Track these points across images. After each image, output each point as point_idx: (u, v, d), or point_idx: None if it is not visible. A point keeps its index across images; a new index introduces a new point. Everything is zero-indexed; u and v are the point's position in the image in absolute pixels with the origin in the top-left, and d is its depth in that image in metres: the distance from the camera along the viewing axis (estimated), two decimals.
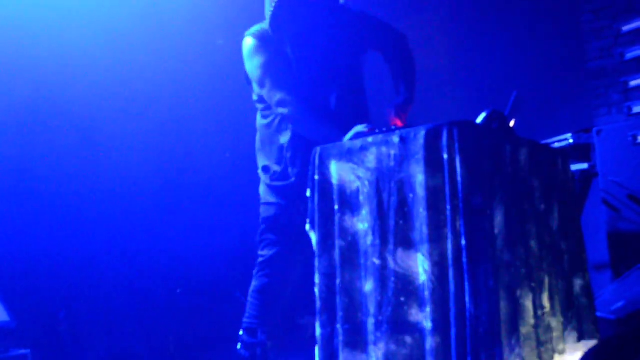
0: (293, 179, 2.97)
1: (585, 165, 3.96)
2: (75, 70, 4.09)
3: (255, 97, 3.11)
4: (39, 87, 3.95)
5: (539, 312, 2.39)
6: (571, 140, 4.01)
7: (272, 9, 2.87)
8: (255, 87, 3.05)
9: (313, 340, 3.95)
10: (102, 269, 4.21)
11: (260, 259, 3.09)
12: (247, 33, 3.01)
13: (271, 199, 3.06)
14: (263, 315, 3.05)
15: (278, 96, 2.88)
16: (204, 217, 4.75)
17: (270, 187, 3.07)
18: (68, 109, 4.09)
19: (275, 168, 3.02)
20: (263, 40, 2.95)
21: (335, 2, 3.05)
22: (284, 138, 2.99)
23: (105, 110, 4.25)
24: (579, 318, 2.70)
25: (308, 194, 2.48)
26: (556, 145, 3.99)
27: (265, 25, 2.99)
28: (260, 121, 3.12)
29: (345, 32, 3.02)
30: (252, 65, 2.97)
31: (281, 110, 2.89)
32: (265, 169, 3.08)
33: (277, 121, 3.02)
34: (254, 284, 3.10)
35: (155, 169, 4.48)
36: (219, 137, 4.84)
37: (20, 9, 3.95)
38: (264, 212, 3.10)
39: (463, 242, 2.05)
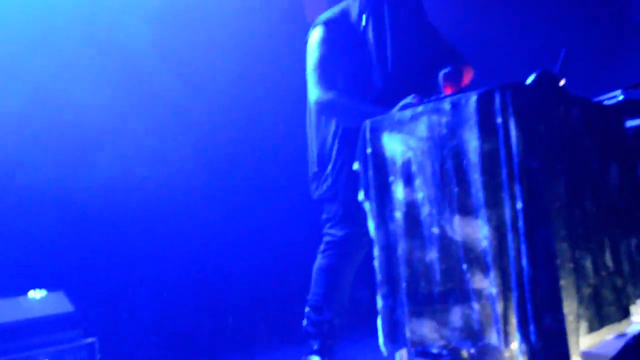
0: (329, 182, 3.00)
1: (638, 121, 3.85)
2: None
3: None
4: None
5: (602, 273, 2.35)
6: (621, 97, 3.89)
7: None
8: None
9: (370, 314, 4.01)
10: (163, 258, 4.29)
11: (328, 238, 3.07)
12: (317, 21, 3.03)
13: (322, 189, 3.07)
14: (329, 293, 3.05)
15: (316, 93, 2.92)
16: (257, 200, 4.77)
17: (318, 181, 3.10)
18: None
19: (314, 168, 3.08)
20: (330, 31, 2.96)
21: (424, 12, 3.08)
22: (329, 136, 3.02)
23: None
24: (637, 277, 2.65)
25: (355, 167, 2.48)
26: (607, 102, 3.89)
27: (340, 7, 3.02)
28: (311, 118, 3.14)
29: (424, 42, 3.04)
30: (310, 56, 3.00)
31: (315, 107, 2.93)
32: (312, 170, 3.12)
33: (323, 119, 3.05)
34: (320, 261, 3.09)
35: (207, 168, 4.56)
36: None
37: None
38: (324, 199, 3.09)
39: (519, 205, 2.02)
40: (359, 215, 2.74)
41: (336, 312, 3.06)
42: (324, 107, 2.93)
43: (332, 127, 3.01)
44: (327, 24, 2.99)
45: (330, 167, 3.02)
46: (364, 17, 2.93)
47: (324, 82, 2.91)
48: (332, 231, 3.06)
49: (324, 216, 3.11)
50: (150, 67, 4.25)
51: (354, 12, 2.97)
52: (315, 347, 3.04)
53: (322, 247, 3.11)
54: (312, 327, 3.07)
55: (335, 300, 3.06)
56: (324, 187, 3.06)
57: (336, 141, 3.00)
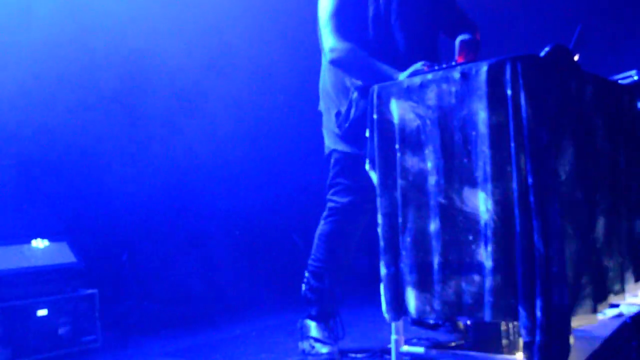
0: (351, 118, 2.91)
1: None
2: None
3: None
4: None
5: (597, 252, 2.34)
6: (636, 77, 3.84)
7: None
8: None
9: (369, 282, 4.05)
10: (163, 213, 4.32)
11: (332, 204, 3.06)
12: None
13: (341, 147, 3.00)
14: (330, 259, 3.06)
15: (330, 42, 2.88)
16: (260, 163, 4.80)
17: (338, 136, 3.01)
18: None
19: (342, 109, 2.97)
20: None
21: None
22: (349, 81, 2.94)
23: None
24: (638, 259, 2.63)
25: (367, 134, 2.46)
26: (621, 82, 3.84)
27: None
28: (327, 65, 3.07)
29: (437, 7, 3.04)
30: (322, 6, 2.95)
31: (330, 55, 2.88)
32: (331, 112, 3.03)
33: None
34: (322, 227, 3.09)
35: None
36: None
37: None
38: (335, 158, 3.05)
39: (530, 180, 1.99)
40: (364, 182, 2.74)
41: (336, 279, 3.07)
42: (339, 59, 2.87)
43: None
44: None
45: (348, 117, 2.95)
46: None
47: (341, 32, 2.86)
48: (335, 197, 3.05)
49: (328, 181, 3.10)
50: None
51: None
52: (313, 312, 3.06)
53: (325, 213, 3.10)
54: (311, 292, 3.08)
55: (335, 267, 3.07)
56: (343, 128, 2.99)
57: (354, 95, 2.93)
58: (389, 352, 2.52)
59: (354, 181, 2.96)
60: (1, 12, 3.76)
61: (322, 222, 3.11)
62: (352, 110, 2.91)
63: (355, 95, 2.90)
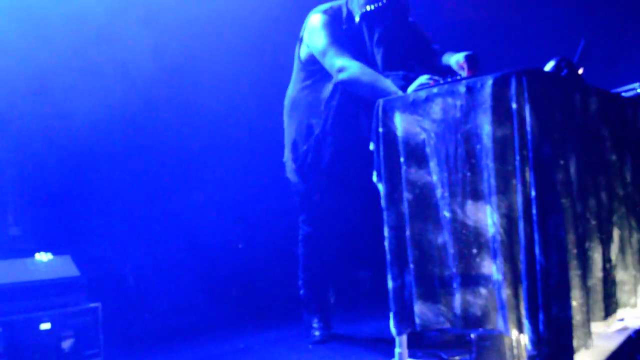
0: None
1: None
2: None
3: (302, 74, 3.35)
4: None
5: (607, 265, 2.34)
6: (639, 90, 3.85)
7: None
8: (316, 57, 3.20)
9: (371, 295, 4.12)
10: (165, 226, 4.32)
11: (300, 231, 3.45)
12: (316, 10, 3.23)
13: (293, 178, 3.37)
14: (307, 273, 3.48)
15: (339, 63, 3.01)
16: (264, 174, 4.80)
17: (295, 170, 3.36)
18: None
19: (303, 148, 3.29)
20: (332, 18, 3.16)
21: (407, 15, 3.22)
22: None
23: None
24: None
25: (371, 147, 2.47)
26: (624, 94, 3.85)
27: (335, 4, 3.23)
28: (296, 94, 3.35)
29: (406, 42, 3.21)
30: (318, 36, 3.13)
31: (341, 75, 3.00)
32: (294, 147, 3.34)
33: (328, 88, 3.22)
34: (298, 247, 3.47)
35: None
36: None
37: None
38: (293, 190, 3.42)
39: (533, 193, 1.99)
40: (327, 215, 3.27)
41: (321, 287, 3.48)
42: (349, 77, 2.97)
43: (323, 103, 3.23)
44: (327, 12, 3.17)
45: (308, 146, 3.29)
46: (356, 16, 3.10)
47: (346, 53, 3.01)
48: (302, 225, 3.42)
49: (297, 203, 3.44)
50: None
51: (345, 13, 3.17)
52: (309, 309, 3.49)
53: (299, 234, 3.47)
54: (304, 296, 3.52)
55: (315, 280, 3.47)
56: (303, 162, 3.33)
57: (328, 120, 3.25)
58: None
59: (310, 214, 3.35)
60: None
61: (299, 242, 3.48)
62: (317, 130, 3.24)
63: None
